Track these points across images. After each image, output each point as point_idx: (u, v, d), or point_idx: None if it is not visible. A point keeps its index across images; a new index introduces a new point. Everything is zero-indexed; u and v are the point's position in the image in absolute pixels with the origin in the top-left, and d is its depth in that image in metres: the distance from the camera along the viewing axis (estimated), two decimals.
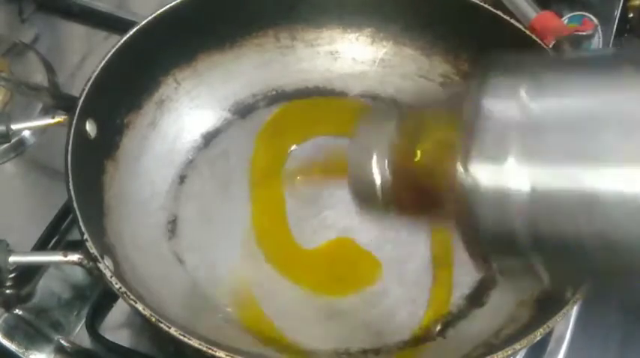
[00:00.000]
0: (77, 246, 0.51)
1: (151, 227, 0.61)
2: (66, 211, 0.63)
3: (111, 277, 0.49)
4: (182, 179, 0.65)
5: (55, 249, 0.62)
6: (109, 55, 0.60)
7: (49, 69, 0.76)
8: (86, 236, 0.50)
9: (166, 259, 0.60)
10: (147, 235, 0.60)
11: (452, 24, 0.69)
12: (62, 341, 0.59)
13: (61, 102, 0.67)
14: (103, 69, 0.59)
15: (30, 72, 0.76)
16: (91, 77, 0.58)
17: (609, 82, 0.31)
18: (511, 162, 0.30)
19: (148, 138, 0.65)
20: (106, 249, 0.54)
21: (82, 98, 0.57)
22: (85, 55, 0.78)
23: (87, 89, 0.57)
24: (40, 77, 0.75)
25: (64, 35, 0.81)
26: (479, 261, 0.34)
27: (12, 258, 0.50)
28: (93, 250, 0.49)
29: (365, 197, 0.39)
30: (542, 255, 0.32)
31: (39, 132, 0.71)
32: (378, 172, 0.37)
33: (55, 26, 0.81)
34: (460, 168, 0.31)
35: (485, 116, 0.31)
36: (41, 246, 0.62)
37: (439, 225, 0.34)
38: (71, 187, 0.52)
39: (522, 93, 0.32)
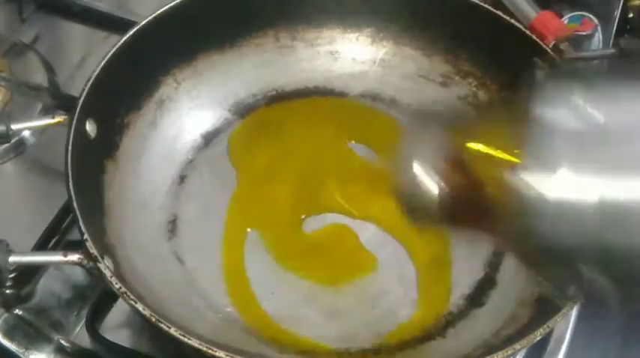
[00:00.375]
0: (77, 246, 0.51)
1: (151, 227, 0.61)
2: (66, 211, 0.63)
3: (111, 277, 0.49)
4: (182, 179, 0.65)
5: (55, 249, 0.62)
6: (109, 55, 0.60)
7: (49, 69, 0.76)
8: (86, 236, 0.50)
9: (166, 259, 0.60)
10: (147, 235, 0.60)
11: (452, 24, 0.69)
12: (62, 341, 0.59)
13: (61, 102, 0.67)
14: (103, 69, 0.59)
15: (30, 72, 0.76)
16: (91, 77, 0.58)
17: None
18: (572, 173, 0.30)
19: (148, 138, 0.65)
20: (106, 249, 0.54)
21: (82, 98, 0.57)
22: (85, 55, 0.78)
23: (87, 89, 0.57)
24: (40, 77, 0.75)
25: (64, 35, 0.81)
26: (533, 270, 0.34)
27: (12, 258, 0.50)
28: (93, 250, 0.49)
29: (420, 211, 0.39)
30: (608, 266, 0.31)
31: (39, 132, 0.71)
32: (433, 186, 0.37)
33: (55, 26, 0.81)
34: (521, 179, 0.31)
35: (544, 125, 0.31)
36: (41, 246, 0.62)
37: (492, 235, 0.34)
38: (71, 187, 0.52)
39: (579, 101, 0.31)
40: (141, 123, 0.65)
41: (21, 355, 0.58)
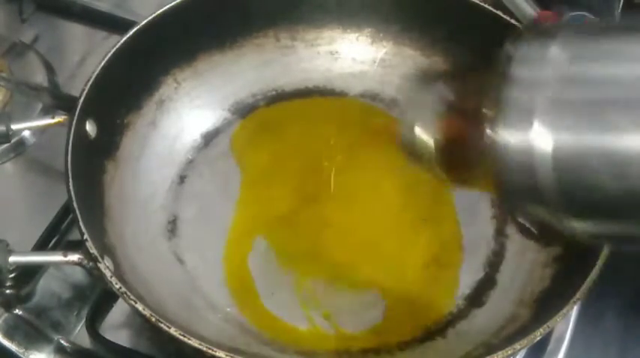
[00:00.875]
0: (77, 246, 0.51)
1: (151, 227, 0.61)
2: (66, 211, 0.63)
3: (111, 277, 0.49)
4: (182, 179, 0.65)
5: (55, 249, 0.62)
6: (109, 55, 0.60)
7: (49, 69, 0.76)
8: (86, 236, 0.50)
9: (166, 259, 0.60)
10: (147, 235, 0.60)
11: (452, 24, 0.69)
12: (62, 341, 0.59)
13: (61, 102, 0.67)
14: (103, 69, 0.59)
15: (30, 72, 0.76)
16: (91, 77, 0.58)
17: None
18: (535, 124, 0.31)
19: (148, 138, 0.65)
20: (106, 249, 0.54)
21: (82, 98, 0.57)
22: (85, 55, 0.78)
23: (87, 89, 0.57)
24: (40, 77, 0.75)
25: (64, 35, 0.81)
26: (516, 216, 0.36)
27: (12, 258, 0.50)
28: (93, 250, 0.50)
29: (416, 157, 0.40)
30: (570, 211, 0.32)
31: (39, 132, 0.70)
32: (426, 136, 0.39)
33: (55, 26, 0.81)
34: (489, 131, 0.32)
35: (510, 79, 0.32)
36: (41, 246, 0.62)
37: (480, 183, 0.35)
38: (71, 187, 0.52)
39: (551, 55, 0.32)
40: (141, 123, 0.65)
41: (21, 355, 0.58)
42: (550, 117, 0.31)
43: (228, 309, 0.57)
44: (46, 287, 0.61)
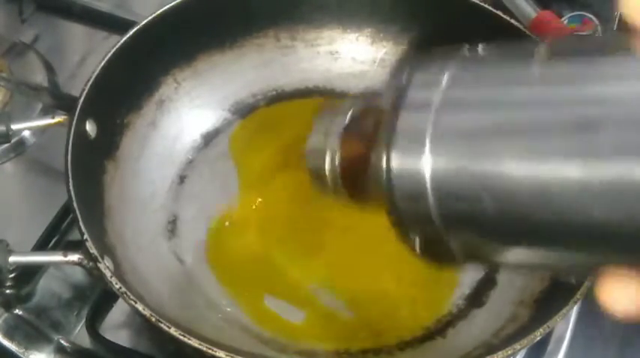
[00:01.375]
0: (77, 246, 0.51)
1: (151, 227, 0.61)
2: (66, 211, 0.63)
3: (111, 277, 0.49)
4: (182, 179, 0.65)
5: (55, 249, 0.62)
6: (109, 55, 0.59)
7: (49, 69, 0.76)
8: (86, 236, 0.50)
9: (166, 259, 0.60)
10: (147, 235, 0.60)
11: (452, 24, 0.68)
12: (62, 341, 0.59)
13: (61, 102, 0.67)
14: (103, 69, 0.59)
15: (30, 72, 0.75)
16: (91, 77, 0.58)
17: (519, 67, 0.31)
18: (415, 158, 0.31)
19: (148, 138, 0.65)
20: (106, 249, 0.54)
21: (82, 98, 0.57)
22: (85, 55, 0.78)
23: (87, 89, 0.57)
24: (40, 77, 0.75)
25: (64, 35, 0.81)
26: (407, 243, 0.36)
27: (12, 258, 0.50)
28: (93, 250, 0.49)
29: (318, 180, 0.41)
30: (456, 234, 0.32)
31: (39, 132, 0.70)
32: (328, 160, 0.39)
33: (55, 26, 0.81)
34: (376, 154, 0.32)
35: (398, 109, 0.32)
36: (41, 246, 0.62)
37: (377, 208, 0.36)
38: (71, 187, 0.52)
39: (435, 80, 0.32)
40: (141, 123, 0.65)
41: (21, 355, 0.58)
42: (428, 140, 0.31)
43: (229, 309, 0.57)
44: (46, 287, 0.61)
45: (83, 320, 0.60)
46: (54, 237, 0.63)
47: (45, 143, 0.71)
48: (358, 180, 0.38)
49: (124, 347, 0.59)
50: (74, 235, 0.61)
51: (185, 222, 0.62)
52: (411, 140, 0.32)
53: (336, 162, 0.39)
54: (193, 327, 0.52)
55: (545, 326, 0.48)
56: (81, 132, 0.57)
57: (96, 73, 0.58)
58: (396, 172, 0.32)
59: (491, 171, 0.30)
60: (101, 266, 0.49)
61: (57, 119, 0.57)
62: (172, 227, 0.62)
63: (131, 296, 0.48)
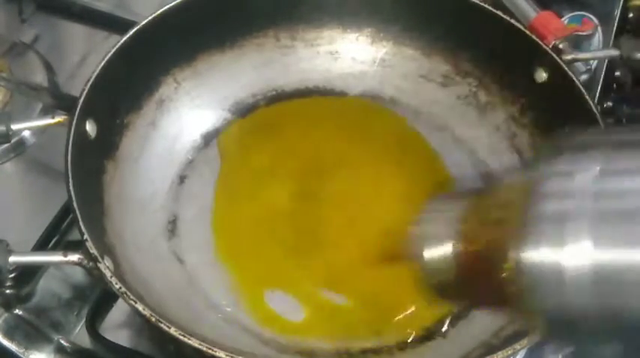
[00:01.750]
0: (77, 246, 0.51)
1: (151, 227, 0.61)
2: (66, 211, 0.63)
3: (111, 277, 0.49)
4: (182, 179, 0.65)
5: (55, 249, 0.62)
6: (109, 55, 0.60)
7: (49, 69, 0.76)
8: (86, 236, 0.50)
9: (166, 259, 0.60)
10: (147, 235, 0.60)
11: (452, 24, 0.69)
12: (62, 341, 0.59)
13: (61, 102, 0.67)
14: (103, 69, 0.59)
15: (30, 72, 0.76)
16: (91, 77, 0.58)
17: None
18: (569, 244, 0.30)
19: (148, 138, 0.65)
20: (106, 249, 0.54)
21: (82, 98, 0.57)
22: (85, 55, 0.78)
23: (87, 89, 0.57)
24: (40, 77, 0.75)
25: (64, 35, 0.81)
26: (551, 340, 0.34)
27: (12, 258, 0.50)
28: (93, 250, 0.49)
29: (435, 280, 0.39)
30: (609, 333, 0.31)
31: (39, 132, 0.71)
32: (447, 256, 0.37)
33: (55, 26, 0.81)
34: (517, 253, 0.31)
35: (542, 199, 0.31)
36: (41, 246, 0.62)
37: (505, 312, 0.33)
38: (71, 187, 0.52)
39: (580, 171, 0.31)
40: (141, 123, 0.65)
41: (21, 355, 0.58)
42: (586, 233, 0.30)
43: (229, 309, 0.57)
44: (46, 287, 0.61)
45: (83, 320, 0.60)
46: (54, 237, 0.63)
47: (45, 143, 0.71)
48: (481, 280, 0.36)
49: (124, 347, 0.59)
50: (74, 235, 0.61)
51: (185, 222, 0.62)
52: (557, 232, 0.30)
53: (454, 254, 0.37)
54: (193, 327, 0.51)
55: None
56: (81, 132, 0.57)
57: (96, 73, 0.58)
58: (544, 267, 0.30)
59: None
60: (101, 266, 0.49)
61: (57, 119, 0.57)
62: (172, 227, 0.62)
63: (131, 296, 0.48)
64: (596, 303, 0.30)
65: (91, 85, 0.58)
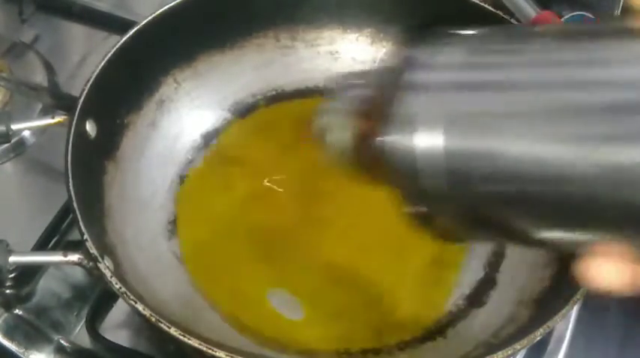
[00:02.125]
0: (77, 246, 0.51)
1: (151, 227, 0.61)
2: (66, 211, 0.63)
3: (111, 277, 0.49)
4: (182, 179, 0.65)
5: (55, 249, 0.62)
6: (109, 55, 0.59)
7: (49, 69, 0.76)
8: (86, 236, 0.50)
9: (166, 259, 0.60)
10: (147, 235, 0.60)
11: (452, 24, 0.68)
12: (62, 341, 0.59)
13: (61, 102, 0.67)
14: (103, 69, 0.59)
15: (30, 72, 0.76)
16: (91, 77, 0.58)
17: (524, 48, 0.32)
18: (424, 130, 0.32)
19: (148, 138, 0.65)
20: (106, 249, 0.54)
21: (82, 98, 0.57)
22: (85, 55, 0.78)
23: (87, 89, 0.57)
24: (40, 77, 0.75)
25: (64, 35, 0.82)
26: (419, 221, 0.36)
27: (12, 258, 0.50)
28: (93, 250, 0.49)
29: (335, 154, 0.42)
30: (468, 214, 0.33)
31: (39, 132, 0.70)
32: (343, 139, 0.40)
33: (55, 26, 0.82)
34: (381, 132, 0.33)
35: (402, 88, 0.33)
36: (41, 246, 0.62)
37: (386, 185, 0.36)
38: (71, 187, 0.52)
39: (439, 59, 0.33)
40: (141, 123, 0.64)
41: (21, 355, 0.58)
42: (439, 120, 0.32)
43: (229, 309, 0.57)
44: (46, 287, 0.61)
45: (83, 320, 0.60)
46: (54, 237, 0.63)
47: (45, 143, 0.71)
48: (365, 154, 0.38)
49: (124, 347, 0.59)
50: (74, 235, 0.61)
51: (185, 222, 0.62)
52: (425, 120, 0.32)
53: (355, 138, 0.39)
54: (193, 327, 0.52)
55: (545, 326, 0.48)
56: (81, 132, 0.57)
57: (96, 73, 0.58)
58: (398, 148, 0.32)
59: (498, 149, 0.30)
60: (101, 266, 0.49)
61: (57, 119, 0.57)
62: (172, 227, 0.62)
63: (131, 297, 0.48)
64: (449, 186, 0.32)
65: (91, 85, 0.58)
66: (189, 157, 0.66)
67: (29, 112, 0.71)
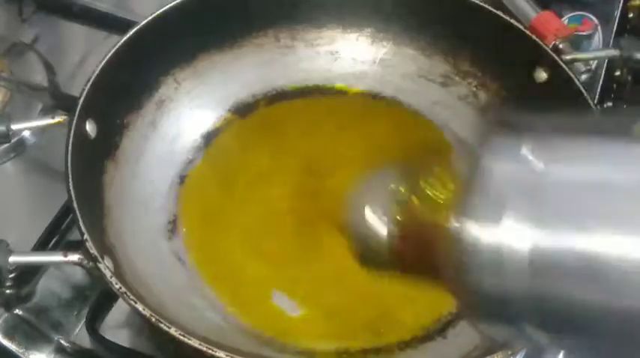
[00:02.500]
0: (77, 246, 0.51)
1: (151, 227, 0.61)
2: (66, 211, 0.63)
3: (111, 277, 0.49)
4: (182, 179, 0.65)
5: (55, 249, 0.62)
6: (109, 55, 0.60)
7: (49, 69, 0.76)
8: (86, 236, 0.50)
9: (166, 259, 0.60)
10: (147, 235, 0.60)
11: (452, 24, 0.69)
12: (62, 341, 0.59)
13: (61, 102, 0.67)
14: (103, 69, 0.59)
15: (30, 72, 0.76)
16: (91, 77, 0.58)
17: (619, 147, 0.31)
18: (510, 222, 0.30)
19: (148, 138, 0.65)
20: (106, 249, 0.54)
21: (82, 98, 0.57)
22: (85, 54, 0.78)
23: (87, 89, 0.57)
24: (40, 77, 0.75)
25: (64, 35, 0.82)
26: (475, 323, 0.33)
27: (12, 258, 0.50)
28: (93, 250, 0.49)
29: (367, 251, 0.38)
30: (542, 319, 0.31)
31: (39, 132, 0.70)
32: (381, 227, 0.37)
33: (55, 26, 0.82)
34: (456, 224, 0.30)
35: (485, 173, 0.31)
36: (41, 246, 0.62)
37: (440, 286, 0.33)
38: (71, 187, 0.52)
39: (525, 152, 0.31)
40: (141, 123, 0.65)
41: (21, 355, 0.58)
42: (527, 214, 0.30)
43: (229, 309, 0.57)
44: (46, 287, 0.61)
45: (83, 320, 0.60)
46: (54, 236, 0.63)
47: (45, 143, 0.71)
48: (420, 251, 0.35)
49: (124, 347, 0.59)
50: (74, 235, 0.61)
51: (185, 223, 0.62)
52: (495, 212, 0.30)
53: (394, 232, 0.36)
54: (193, 327, 0.52)
55: None
56: (81, 132, 0.57)
57: (96, 73, 0.58)
58: (483, 243, 0.30)
59: (590, 249, 0.28)
60: (101, 266, 0.49)
61: (57, 119, 0.57)
62: (172, 227, 0.62)
63: (131, 297, 0.48)
64: (531, 285, 0.30)
65: (91, 85, 0.58)
66: (190, 157, 0.66)
67: (29, 112, 0.71)
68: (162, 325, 0.47)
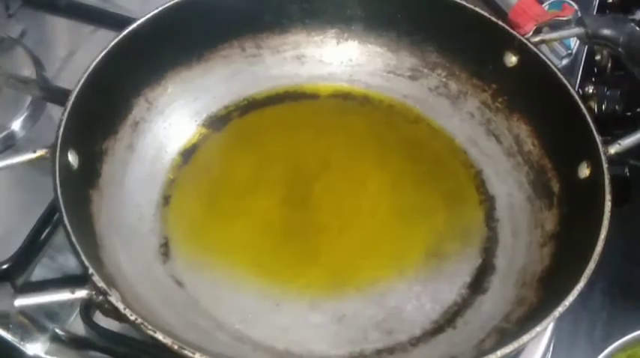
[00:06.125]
0: (81, 280, 0.49)
1: (144, 252, 0.60)
2: (53, 209, 0.61)
3: (125, 309, 0.47)
4: (166, 199, 0.63)
5: (42, 247, 0.62)
6: (81, 83, 0.58)
7: (37, 63, 0.75)
8: (91, 270, 0.49)
9: (165, 283, 0.58)
10: (142, 261, 0.59)
11: (415, 17, 0.70)
12: (57, 330, 0.59)
13: (50, 94, 0.67)
14: (76, 97, 0.58)
15: (18, 66, 0.75)
16: (67, 106, 0.57)
17: None
18: None
19: (127, 162, 0.63)
20: (108, 281, 0.52)
21: (62, 129, 0.55)
22: (73, 48, 0.77)
23: (64, 119, 0.56)
24: (28, 71, 0.74)
25: (51, 30, 0.81)
26: None
27: (17, 302, 0.48)
28: (101, 283, 0.48)
29: None
30: None
31: (29, 125, 0.70)
32: None
33: (42, 21, 0.81)
34: None
35: None
36: (30, 242, 0.61)
37: None
38: (67, 222, 0.50)
39: None
40: (119, 147, 0.63)
41: (17, 344, 0.58)
42: None
43: (237, 326, 0.56)
44: (40, 277, 0.61)
45: (78, 309, 0.59)
46: (42, 233, 0.62)
47: (34, 137, 0.70)
48: None
49: (119, 334, 0.58)
50: (60, 235, 0.59)
51: (177, 243, 0.61)
52: None
53: None
54: (206, 349, 0.50)
55: (562, 304, 0.49)
56: (65, 164, 0.55)
57: (71, 102, 0.57)
58: None
59: None
60: (112, 299, 0.48)
61: (39, 153, 0.55)
62: (165, 250, 0.60)
63: (149, 327, 0.47)
64: None
65: (68, 114, 0.56)
66: (171, 177, 0.65)
67: (19, 105, 0.71)
68: (186, 351, 0.46)
